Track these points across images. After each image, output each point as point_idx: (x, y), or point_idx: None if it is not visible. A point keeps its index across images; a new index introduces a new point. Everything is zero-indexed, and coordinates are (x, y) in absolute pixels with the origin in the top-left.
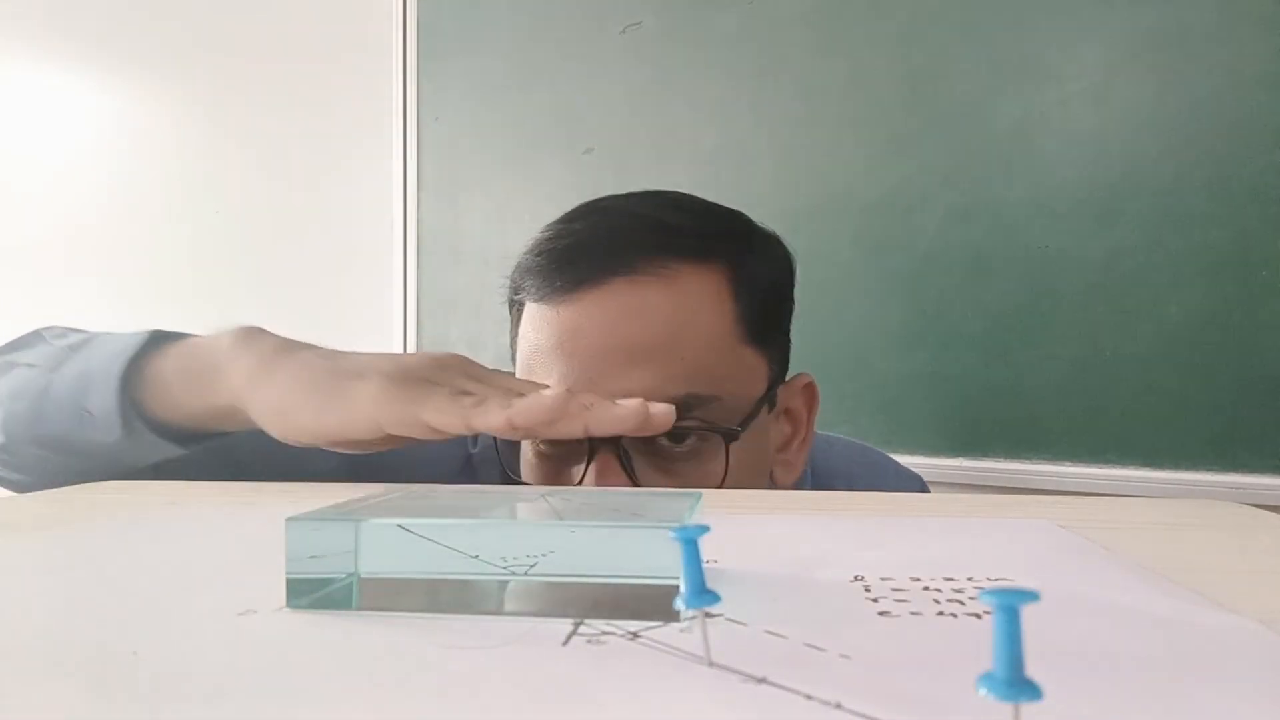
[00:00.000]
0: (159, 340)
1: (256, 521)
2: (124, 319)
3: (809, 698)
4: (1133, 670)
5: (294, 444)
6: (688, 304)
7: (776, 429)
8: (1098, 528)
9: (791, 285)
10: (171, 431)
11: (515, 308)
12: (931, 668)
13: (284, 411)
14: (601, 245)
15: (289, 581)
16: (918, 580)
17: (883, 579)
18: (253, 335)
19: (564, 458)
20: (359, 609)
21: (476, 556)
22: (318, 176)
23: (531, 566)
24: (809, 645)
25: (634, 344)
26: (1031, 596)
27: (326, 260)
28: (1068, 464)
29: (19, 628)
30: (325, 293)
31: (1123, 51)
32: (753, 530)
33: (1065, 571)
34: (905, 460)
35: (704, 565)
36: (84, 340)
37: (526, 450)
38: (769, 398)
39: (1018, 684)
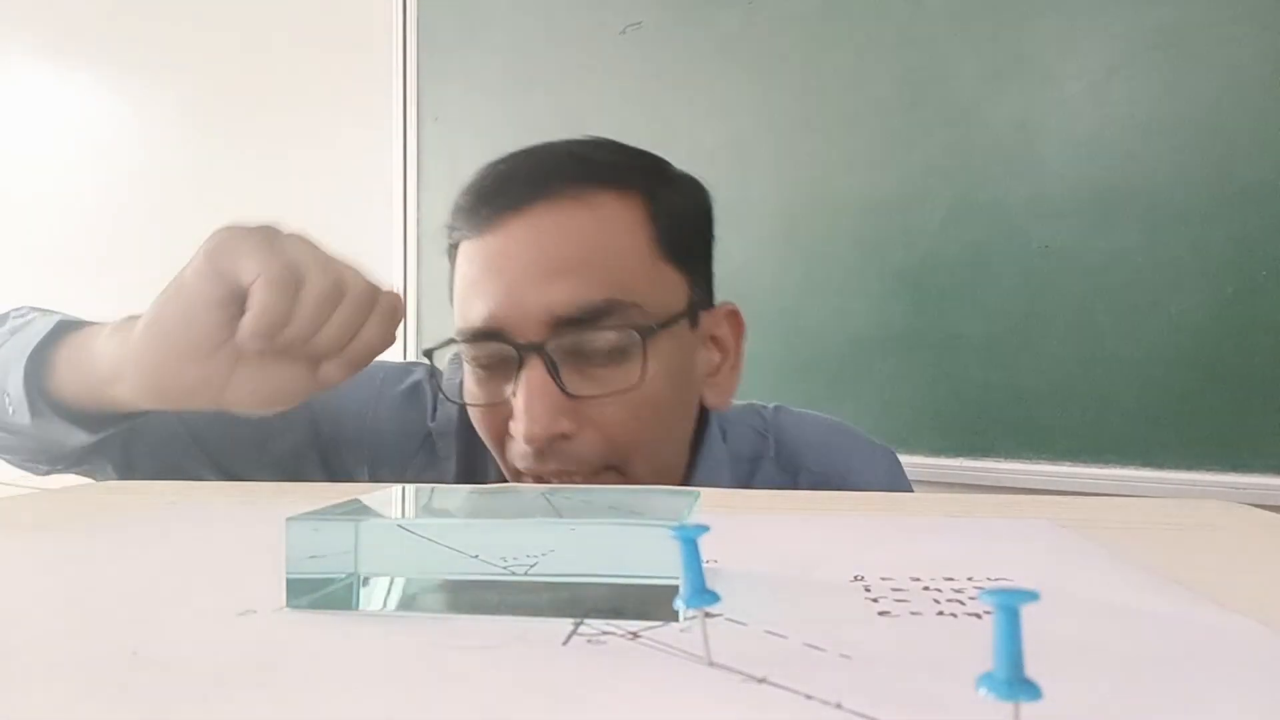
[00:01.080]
0: (65, 329)
1: (256, 521)
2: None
3: (809, 698)
4: (1132, 670)
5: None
6: (606, 224)
7: (705, 355)
8: (1098, 528)
9: (709, 219)
10: (80, 417)
11: (452, 254)
12: (931, 668)
13: (154, 388)
14: (522, 177)
15: (289, 581)
16: (918, 580)
17: (883, 579)
18: (125, 322)
19: (496, 374)
20: (359, 609)
21: (476, 556)
22: (318, 176)
23: (531, 566)
24: (809, 645)
25: (556, 258)
26: (1031, 596)
27: None
28: (1068, 464)
29: (19, 627)
30: None
31: (1123, 51)
32: (753, 530)
33: (1065, 571)
34: (905, 460)
35: (704, 565)
36: (26, 324)
37: (467, 377)
38: (690, 315)
39: (1018, 684)
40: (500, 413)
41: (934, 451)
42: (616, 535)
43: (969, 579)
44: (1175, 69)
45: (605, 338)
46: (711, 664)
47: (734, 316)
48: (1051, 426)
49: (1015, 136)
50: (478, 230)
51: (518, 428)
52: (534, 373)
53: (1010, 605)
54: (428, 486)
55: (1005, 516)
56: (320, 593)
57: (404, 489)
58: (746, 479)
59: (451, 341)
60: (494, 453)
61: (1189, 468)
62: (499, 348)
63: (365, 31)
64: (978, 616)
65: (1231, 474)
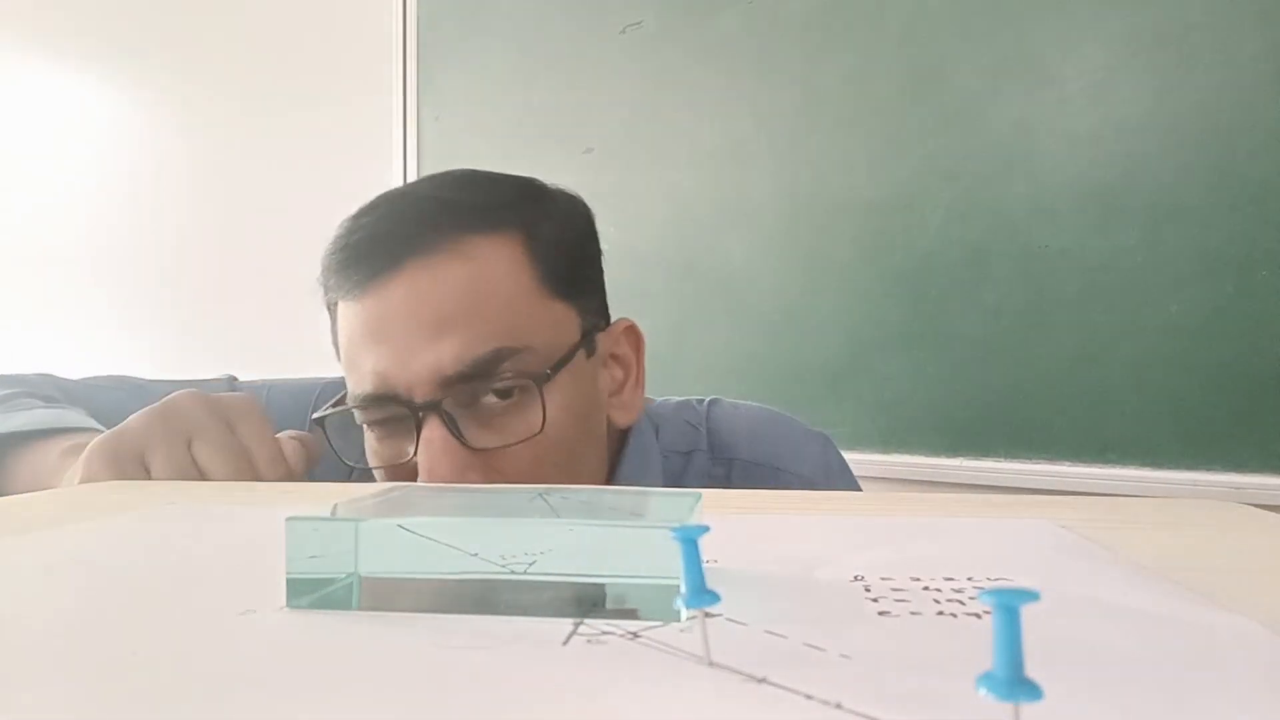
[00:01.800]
0: (5, 442)
1: (256, 521)
2: (121, 318)
3: (809, 698)
4: (1133, 670)
5: None
6: (484, 271)
7: (606, 375)
8: (1098, 528)
9: (592, 238)
10: None
11: (331, 308)
12: (931, 668)
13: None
14: (392, 233)
15: (289, 581)
16: (918, 580)
17: (883, 579)
18: (74, 448)
19: (396, 432)
20: (359, 609)
21: (476, 556)
22: (318, 176)
23: (531, 565)
24: (809, 645)
25: (437, 316)
26: (1031, 596)
27: None
28: (1068, 464)
29: (19, 628)
30: None
31: (1123, 51)
32: (753, 530)
33: (1065, 571)
34: (905, 460)
35: (704, 565)
36: (10, 405)
37: (368, 438)
38: (586, 345)
39: (1018, 684)
40: (406, 470)
41: (934, 451)
42: (617, 535)
43: (969, 579)
44: (1175, 69)
45: (502, 386)
46: (711, 664)
47: (631, 332)
48: (1051, 426)
49: (1015, 136)
50: (352, 295)
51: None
52: (433, 431)
53: (1010, 605)
54: (428, 486)
55: (1005, 516)
56: (320, 593)
57: (404, 489)
58: (680, 472)
59: (343, 406)
60: None
61: (1189, 468)
62: (394, 409)
63: (365, 32)
64: (978, 616)
65: (1231, 474)
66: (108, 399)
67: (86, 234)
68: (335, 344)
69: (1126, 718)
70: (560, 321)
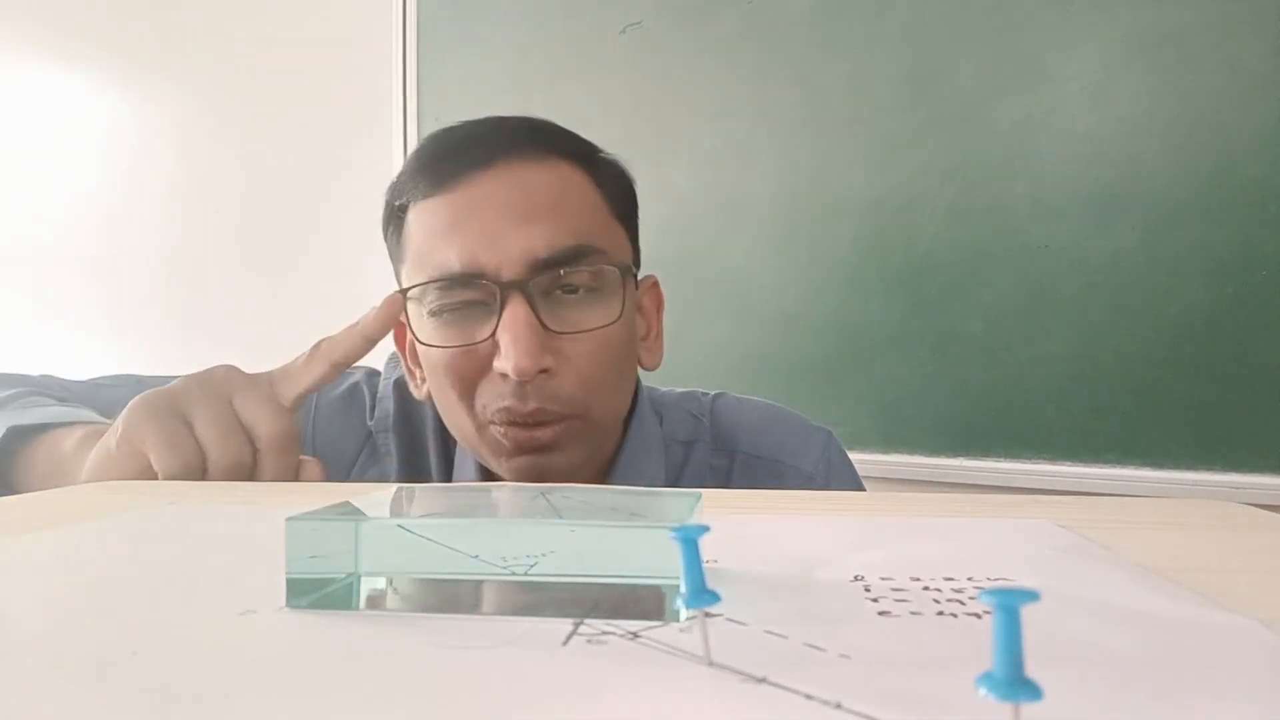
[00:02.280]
0: (20, 436)
1: (256, 521)
2: (121, 318)
3: (809, 698)
4: (1133, 670)
5: None
6: (565, 182)
7: (639, 320)
8: (1098, 528)
9: (636, 198)
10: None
11: (397, 218)
12: (931, 668)
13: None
14: (484, 138)
15: (289, 581)
16: (918, 580)
17: (883, 579)
18: (92, 434)
19: (466, 319)
20: (359, 609)
21: (476, 556)
22: (318, 177)
23: (531, 566)
24: (809, 645)
25: (528, 205)
26: (1031, 596)
27: (327, 260)
28: (1068, 464)
29: (19, 628)
30: (326, 292)
31: (1123, 51)
32: (753, 530)
33: (1065, 571)
34: (905, 460)
35: (704, 565)
36: (24, 402)
37: (430, 329)
38: (634, 276)
39: (1018, 684)
40: (474, 356)
41: (933, 451)
42: (617, 535)
43: (969, 579)
44: (1175, 69)
45: (582, 278)
46: (711, 664)
47: (655, 289)
48: (1051, 426)
49: (1015, 136)
50: (440, 187)
51: (505, 363)
52: (518, 309)
53: (1010, 605)
54: (428, 486)
55: (1005, 516)
56: (320, 593)
57: (404, 488)
58: (681, 461)
59: (428, 284)
60: (456, 409)
61: (1189, 468)
62: (476, 291)
63: (365, 31)
64: (978, 616)
65: (1231, 474)
66: (110, 396)
67: (85, 234)
68: (398, 252)
69: (1126, 718)
70: (621, 243)
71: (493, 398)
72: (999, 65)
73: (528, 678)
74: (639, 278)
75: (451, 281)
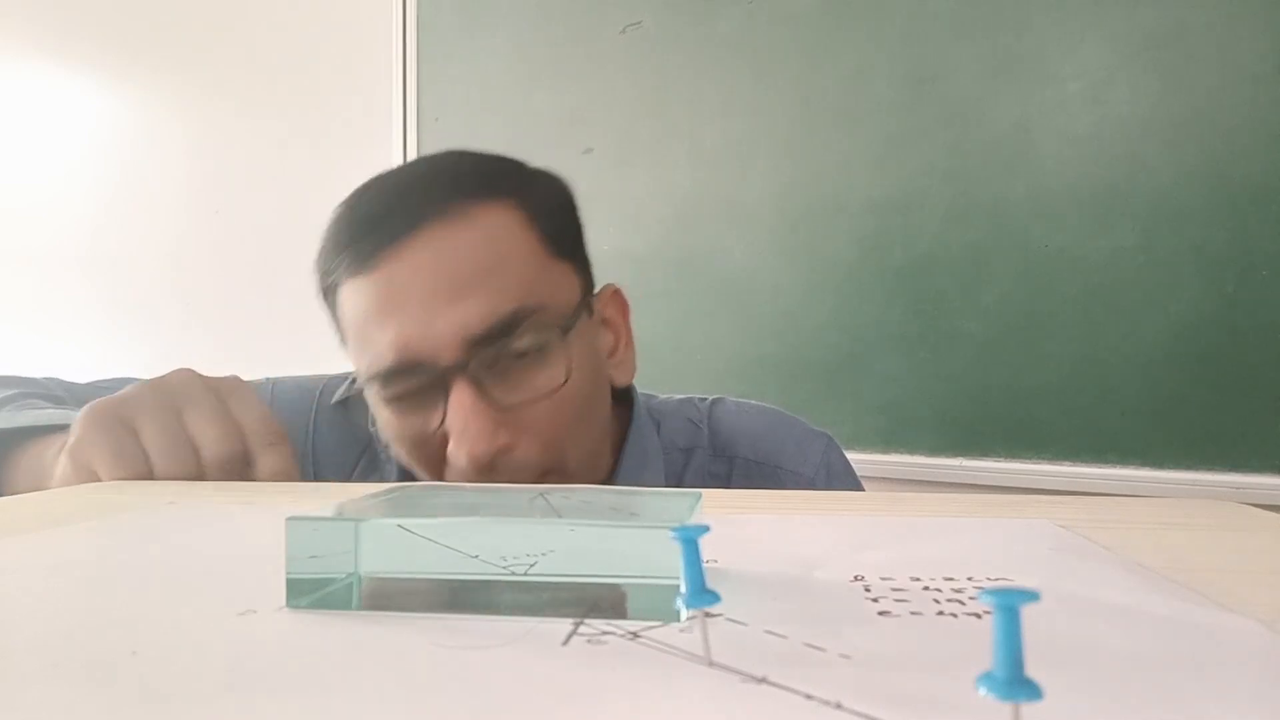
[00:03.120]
0: (8, 440)
1: (256, 521)
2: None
3: (809, 698)
4: (1133, 670)
5: None
6: (494, 234)
7: (602, 337)
8: (1098, 528)
9: (576, 210)
10: None
11: (330, 295)
12: (931, 668)
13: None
14: (398, 204)
15: (289, 581)
16: (918, 580)
17: (883, 579)
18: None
19: (417, 405)
20: (359, 609)
21: (476, 556)
22: (318, 177)
23: (531, 566)
24: (809, 645)
25: (456, 278)
26: (1031, 596)
27: None
28: (1068, 464)
29: (19, 627)
30: None
31: (1123, 51)
32: (753, 530)
33: (1065, 571)
34: (905, 460)
35: (704, 565)
36: (19, 404)
37: (385, 416)
38: (587, 304)
39: (1018, 684)
40: (434, 442)
41: (934, 451)
42: (617, 535)
43: (969, 579)
44: (1175, 69)
45: (525, 344)
46: (711, 664)
47: (617, 295)
48: (1051, 426)
49: (1015, 136)
50: (363, 266)
51: (458, 450)
52: (463, 393)
53: (1010, 605)
54: (428, 486)
55: (1005, 516)
56: (320, 593)
57: (404, 488)
58: (681, 469)
59: (354, 383)
60: (428, 479)
61: (1189, 468)
62: (418, 378)
63: (365, 31)
64: (978, 616)
65: (1231, 474)
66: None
67: (85, 234)
68: (339, 330)
69: (1126, 718)
70: (565, 281)
71: (460, 474)
72: (999, 65)
73: (528, 678)
74: (596, 292)
75: (390, 374)
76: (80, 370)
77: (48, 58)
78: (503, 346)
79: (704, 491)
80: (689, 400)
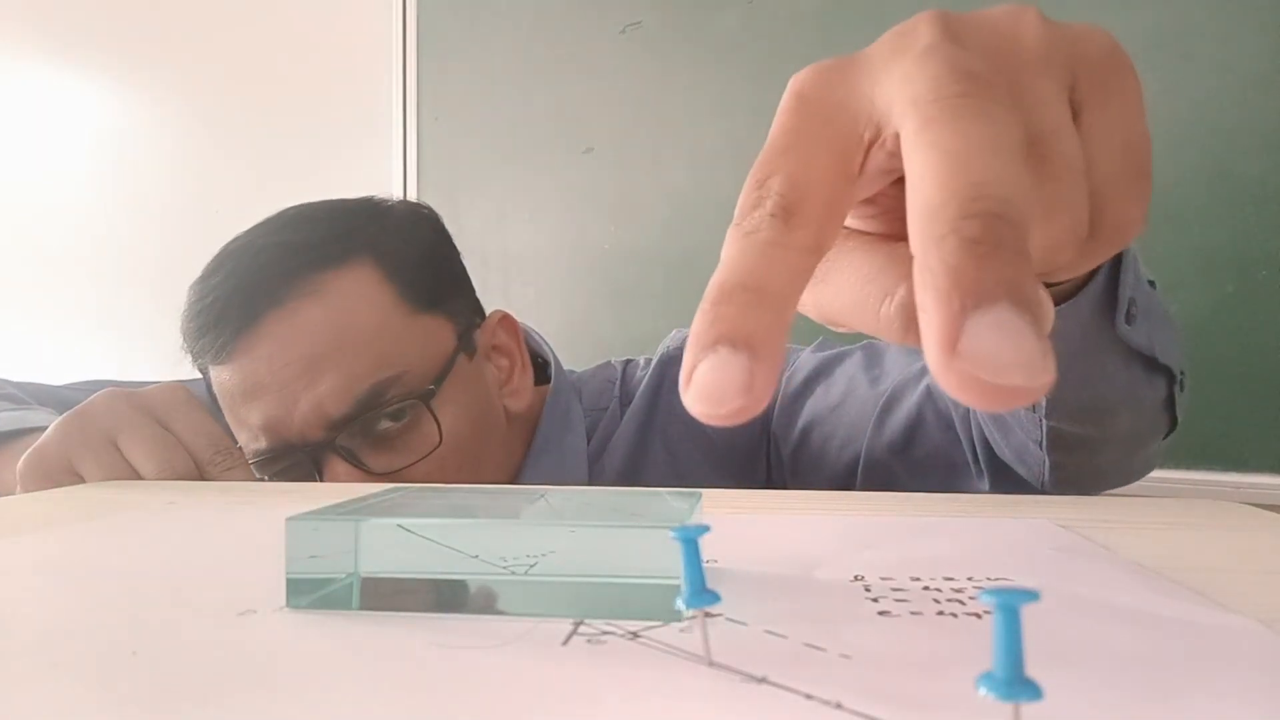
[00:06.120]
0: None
1: (256, 521)
2: (120, 318)
3: (809, 698)
4: (1133, 670)
5: None
6: (343, 306)
7: (492, 368)
8: (1098, 528)
9: (445, 241)
10: None
11: (202, 371)
12: (931, 668)
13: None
14: (241, 290)
15: (289, 581)
16: (918, 580)
17: (883, 579)
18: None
19: (299, 476)
20: (359, 609)
21: (476, 556)
22: (318, 176)
23: (531, 566)
24: (809, 645)
25: (307, 362)
26: (1031, 596)
27: None
28: None
29: (19, 628)
30: None
31: None
32: (753, 530)
33: (1065, 571)
34: None
35: (704, 565)
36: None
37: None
38: (465, 347)
39: (1018, 684)
40: None
41: None
42: (617, 535)
43: (969, 579)
44: (1175, 69)
45: (390, 412)
46: (711, 664)
47: (506, 320)
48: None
49: None
50: (219, 357)
51: None
52: (335, 469)
53: (1010, 605)
54: (428, 486)
55: (1005, 516)
56: (320, 593)
57: (404, 488)
58: (598, 425)
59: (250, 462)
60: None
61: (1189, 467)
62: (292, 458)
63: (365, 31)
64: (978, 616)
65: (1231, 474)
66: (71, 399)
67: (84, 234)
68: (217, 404)
69: (1126, 718)
70: (432, 334)
71: None
72: None
73: (528, 678)
74: (484, 319)
75: (264, 457)
76: (80, 369)
77: (47, 58)
78: (369, 419)
79: (704, 491)
80: (605, 364)
